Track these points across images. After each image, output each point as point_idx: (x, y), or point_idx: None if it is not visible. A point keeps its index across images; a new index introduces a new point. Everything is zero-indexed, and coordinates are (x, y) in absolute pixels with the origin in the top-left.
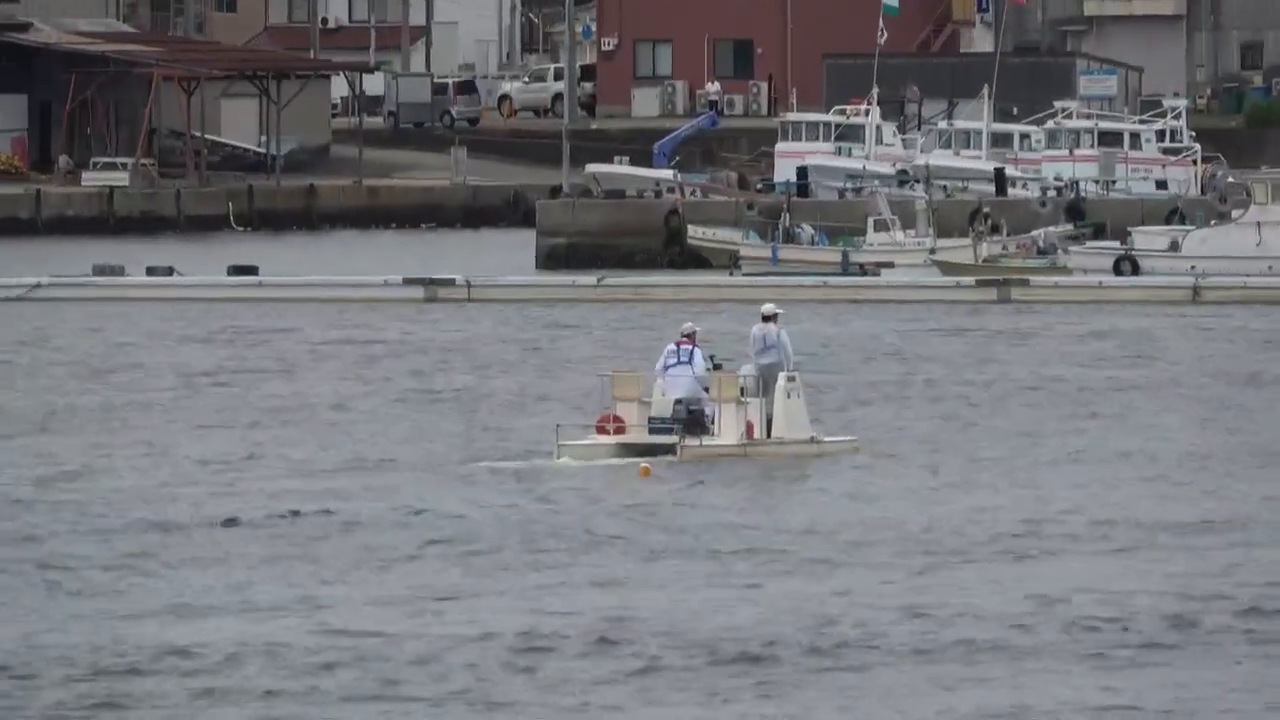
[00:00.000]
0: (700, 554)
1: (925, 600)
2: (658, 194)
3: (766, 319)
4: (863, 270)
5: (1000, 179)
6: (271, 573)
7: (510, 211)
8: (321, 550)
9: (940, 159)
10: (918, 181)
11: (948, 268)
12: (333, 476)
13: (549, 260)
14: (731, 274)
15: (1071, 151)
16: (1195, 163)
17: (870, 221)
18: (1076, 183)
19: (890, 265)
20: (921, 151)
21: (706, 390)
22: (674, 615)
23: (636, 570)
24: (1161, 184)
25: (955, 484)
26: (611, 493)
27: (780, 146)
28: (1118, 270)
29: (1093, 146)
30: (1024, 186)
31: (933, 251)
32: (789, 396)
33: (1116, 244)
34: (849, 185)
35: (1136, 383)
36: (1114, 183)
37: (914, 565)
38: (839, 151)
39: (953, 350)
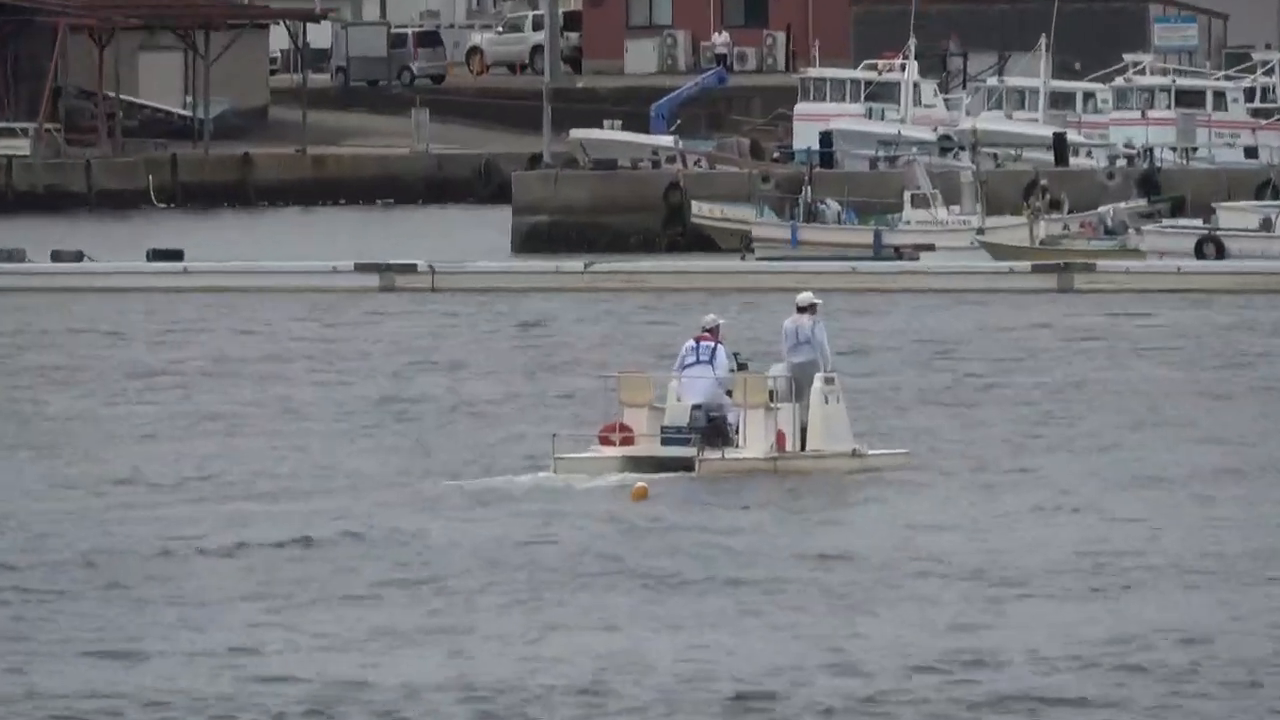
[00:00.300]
0: (717, 588)
1: (979, 645)
2: (655, 164)
3: (802, 310)
4: (898, 254)
5: (1060, 146)
6: (212, 610)
7: (481, 185)
8: (274, 583)
9: (989, 122)
10: (962, 149)
11: (999, 251)
12: (285, 499)
13: (527, 242)
14: (743, 259)
15: (1144, 113)
16: None
17: (907, 196)
18: (1150, 150)
19: (931, 248)
20: (967, 114)
21: (730, 394)
22: (682, 662)
23: (639, 608)
24: (1251, 151)
25: (1016, 506)
26: (615, 515)
27: (800, 108)
28: (1199, 253)
29: (1169, 107)
30: (1088, 155)
31: (980, 232)
32: (827, 401)
33: (1198, 223)
34: (881, 154)
35: (1223, 389)
36: (1194, 150)
37: (968, 603)
38: (869, 114)
39: (1005, 349)
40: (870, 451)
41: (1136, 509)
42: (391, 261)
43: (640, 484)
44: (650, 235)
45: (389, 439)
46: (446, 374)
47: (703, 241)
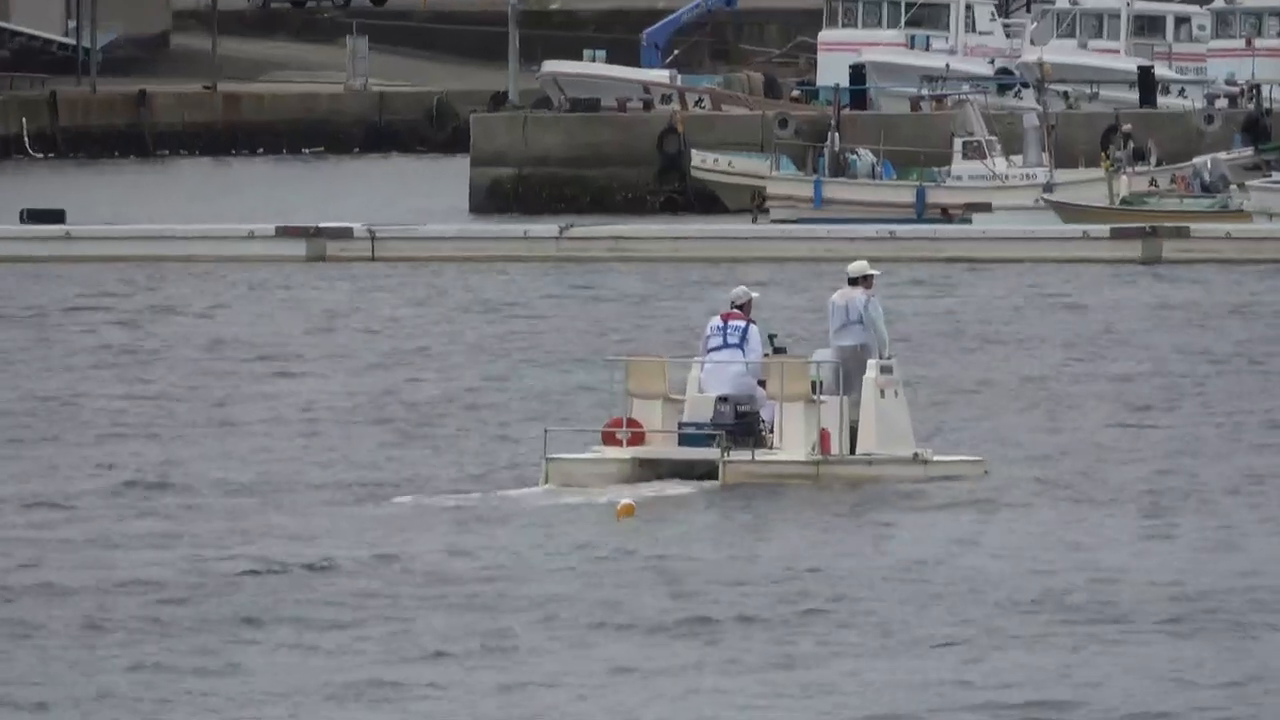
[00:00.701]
0: (734, 627)
1: (1053, 695)
2: (648, 105)
3: (854, 282)
4: (946, 215)
5: (1147, 82)
6: (134, 651)
7: (433, 130)
8: (206, 621)
9: (1059, 53)
10: (1026, 86)
11: (1070, 212)
12: (216, 516)
13: (489, 201)
14: (755, 220)
15: (1250, 43)
16: None
17: (957, 145)
18: (1257, 88)
19: (987, 208)
20: (1032, 43)
21: (763, 384)
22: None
23: (637, 652)
24: None
25: (1106, 526)
26: (615, 534)
27: (825, 35)
28: None
29: None
30: (1182, 94)
31: (1048, 188)
32: (882, 395)
33: None
34: (926, 92)
35: None
36: None
37: (1044, 644)
38: (911, 43)
39: (1078, 331)
40: (936, 457)
41: (1248, 527)
42: (322, 225)
43: (626, 501)
44: (641, 192)
45: (336, 440)
46: (402, 361)
47: (705, 200)
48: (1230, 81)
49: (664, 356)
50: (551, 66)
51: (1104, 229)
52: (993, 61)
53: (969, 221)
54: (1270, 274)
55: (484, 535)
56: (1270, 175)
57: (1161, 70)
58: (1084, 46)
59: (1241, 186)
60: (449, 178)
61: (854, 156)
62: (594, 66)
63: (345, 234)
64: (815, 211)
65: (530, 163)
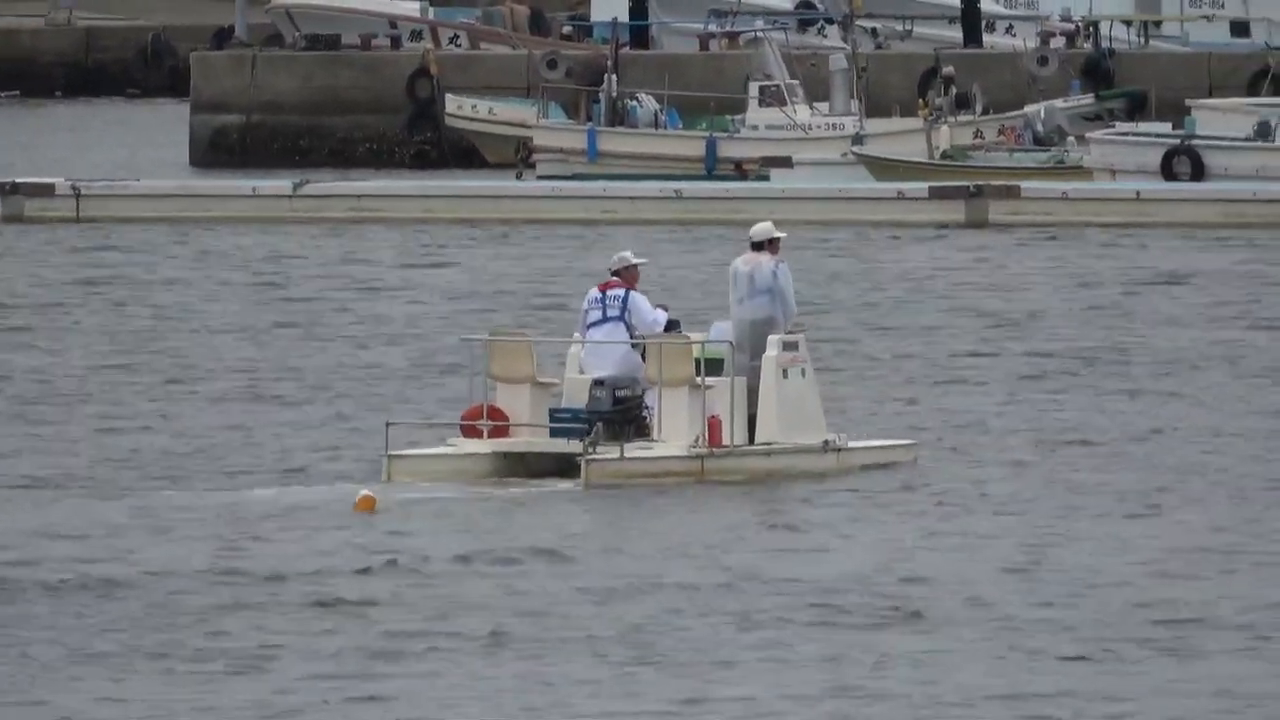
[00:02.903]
0: (584, 650)
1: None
2: (395, 42)
3: (758, 246)
4: (740, 171)
5: (971, 18)
6: None
7: (148, 71)
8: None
9: None
10: (831, 22)
11: (884, 168)
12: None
13: (213, 152)
14: (520, 176)
15: None
16: None
17: (753, 90)
18: (1094, 25)
19: (787, 163)
20: None
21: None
22: None
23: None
24: (1240, 28)
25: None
26: (454, 540)
27: None
28: (1168, 171)
29: None
30: (1009, 31)
31: (858, 141)
32: (785, 375)
33: (1166, 128)
34: (715, 27)
35: (1214, 350)
36: (1159, 24)
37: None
38: None
39: (891, 303)
40: (855, 444)
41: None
42: (19, 180)
43: (365, 492)
44: (388, 144)
45: (108, 437)
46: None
47: (463, 153)
48: (1065, 17)
49: (529, 334)
50: None
51: (922, 187)
52: None
53: (767, 178)
54: (1112, 238)
55: (295, 534)
56: (1113, 126)
57: (988, 4)
58: None
59: (1080, 139)
60: (166, 126)
61: (634, 103)
62: None
63: (46, 190)
64: (589, 166)
65: (260, 109)
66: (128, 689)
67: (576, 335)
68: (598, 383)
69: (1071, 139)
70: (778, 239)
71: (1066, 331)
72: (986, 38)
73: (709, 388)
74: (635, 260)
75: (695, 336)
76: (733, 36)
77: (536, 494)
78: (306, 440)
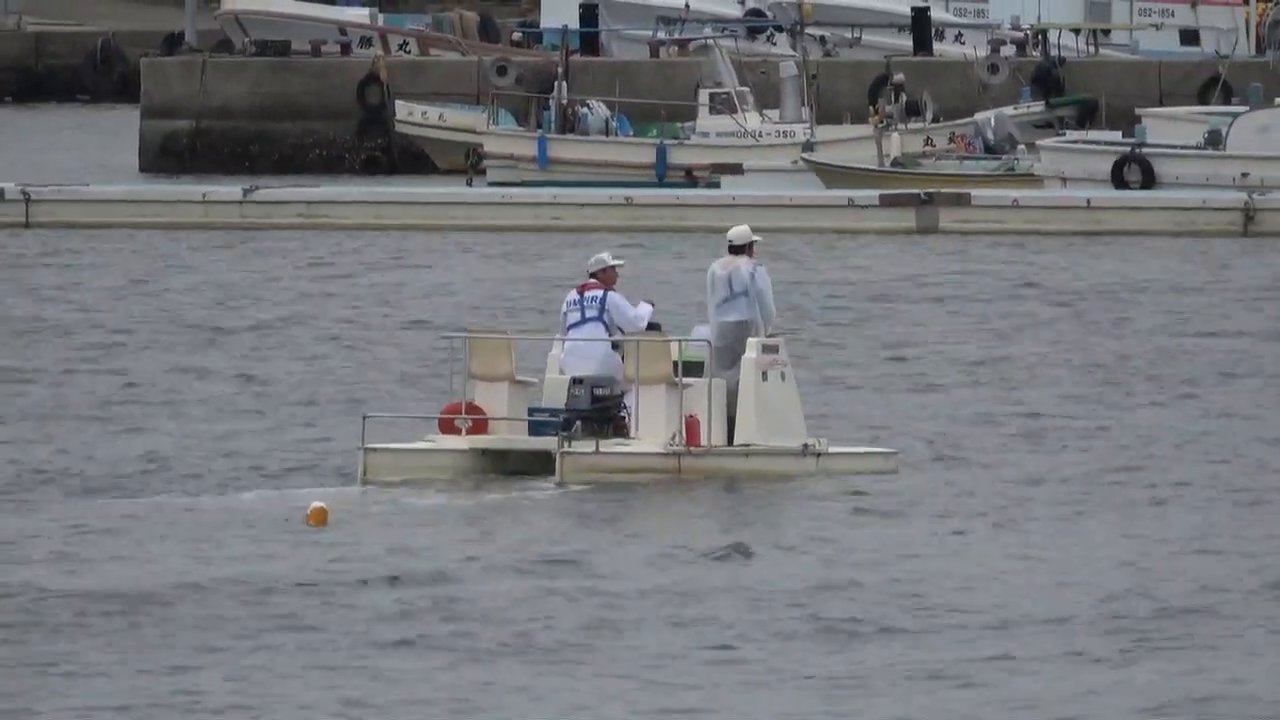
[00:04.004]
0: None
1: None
2: (345, 48)
3: (736, 250)
4: (691, 179)
5: (922, 26)
6: None
7: (97, 77)
8: None
9: None
10: (780, 29)
11: (834, 175)
12: None
13: (163, 158)
14: (470, 183)
15: None
16: (1247, 0)
17: (703, 97)
18: (1043, 33)
19: (738, 170)
20: None
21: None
22: None
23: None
24: (1189, 36)
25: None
26: (429, 543)
27: None
28: (1119, 179)
29: None
30: (959, 39)
31: (809, 148)
32: (765, 377)
33: (1116, 136)
34: (665, 34)
35: (1163, 371)
36: (1108, 33)
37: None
38: None
39: (842, 313)
40: (835, 449)
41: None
42: None
43: (317, 504)
44: (338, 150)
45: (85, 437)
46: (108, 340)
47: (413, 159)
48: (1015, 26)
49: (509, 332)
50: (233, 3)
51: (872, 195)
52: (743, 1)
53: (717, 185)
54: (1063, 245)
55: (265, 536)
56: (1064, 134)
57: (938, 13)
58: None
59: (1031, 147)
60: (116, 131)
61: (584, 110)
62: (282, 4)
63: None
64: (539, 173)
65: (210, 115)
66: (99, 694)
67: (558, 337)
68: (576, 381)
69: (1022, 147)
70: (754, 242)
71: (1035, 338)
72: (936, 46)
73: (688, 387)
74: (612, 262)
75: (675, 337)
76: (683, 44)
77: (513, 493)
78: (282, 436)
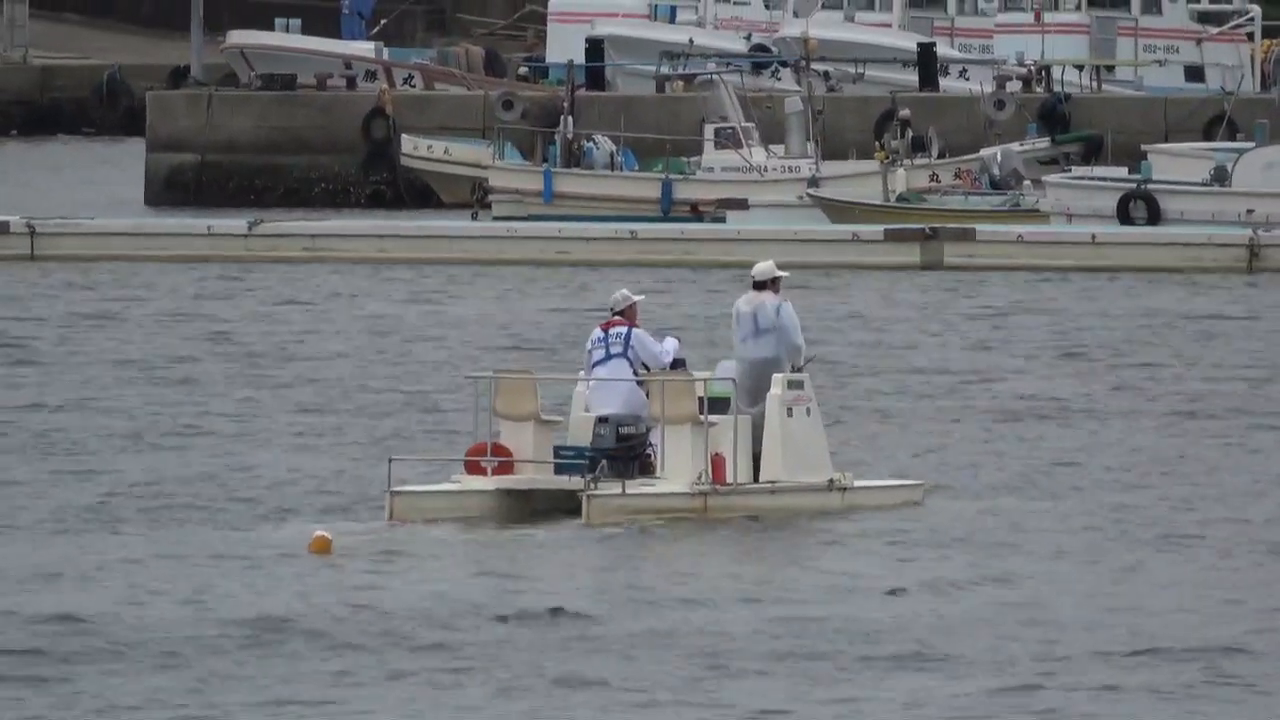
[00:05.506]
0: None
1: None
2: (351, 83)
3: (760, 286)
4: (696, 213)
5: (927, 61)
6: None
7: (104, 110)
8: None
9: (825, 28)
10: (785, 64)
11: (839, 210)
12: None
13: (169, 191)
14: (475, 217)
15: (1039, 17)
16: (1252, 37)
17: (709, 132)
18: (1046, 69)
19: (743, 204)
20: (795, 14)
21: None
22: None
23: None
24: (1194, 72)
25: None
26: (452, 579)
27: (557, 3)
28: (1124, 215)
29: (1078, 8)
30: (963, 74)
31: (814, 183)
32: (790, 413)
33: (1121, 172)
34: (670, 69)
35: (1161, 407)
36: (1112, 69)
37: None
38: (654, 13)
39: (854, 346)
40: (860, 483)
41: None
42: None
43: (320, 533)
44: (344, 184)
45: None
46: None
47: (418, 193)
48: (1020, 61)
49: (533, 371)
50: (238, 37)
51: (878, 230)
52: (748, 37)
53: (722, 220)
54: (1067, 281)
55: (299, 579)
56: (1069, 170)
57: (943, 49)
58: (852, 19)
59: (1036, 183)
60: (122, 165)
61: (590, 144)
62: (288, 38)
63: (1, 229)
64: (545, 207)
65: (215, 148)
66: None
67: (582, 375)
68: (601, 420)
69: (1027, 182)
70: (780, 278)
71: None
72: (941, 81)
73: (713, 424)
74: (634, 297)
75: (700, 374)
76: (688, 79)
77: (550, 529)
78: (306, 478)
